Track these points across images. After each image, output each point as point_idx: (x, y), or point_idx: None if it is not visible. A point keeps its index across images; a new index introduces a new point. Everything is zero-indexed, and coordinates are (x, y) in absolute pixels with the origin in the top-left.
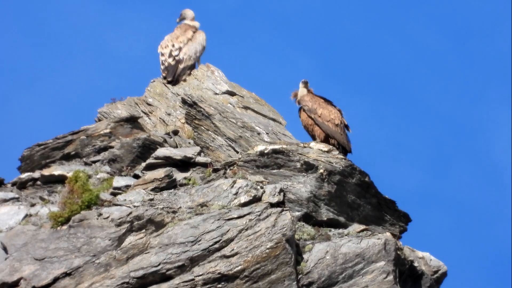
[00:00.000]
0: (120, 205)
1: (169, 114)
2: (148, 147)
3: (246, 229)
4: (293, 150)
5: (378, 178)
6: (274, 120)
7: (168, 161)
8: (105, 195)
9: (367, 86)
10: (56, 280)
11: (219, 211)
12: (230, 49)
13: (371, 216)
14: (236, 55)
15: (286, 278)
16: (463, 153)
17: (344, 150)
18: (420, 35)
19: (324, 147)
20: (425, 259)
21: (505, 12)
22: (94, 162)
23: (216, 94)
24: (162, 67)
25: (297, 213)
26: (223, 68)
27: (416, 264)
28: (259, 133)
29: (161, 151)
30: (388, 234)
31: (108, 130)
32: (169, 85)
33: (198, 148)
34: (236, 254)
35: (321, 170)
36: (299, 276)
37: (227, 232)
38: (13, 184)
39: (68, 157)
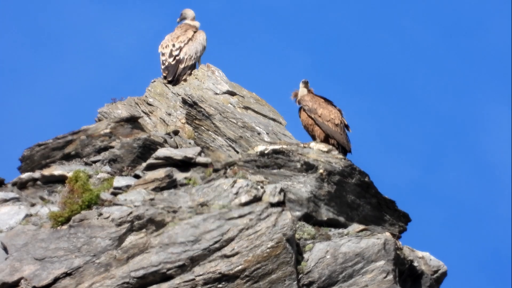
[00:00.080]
0: (120, 205)
1: (169, 114)
2: (149, 147)
3: (247, 229)
4: (293, 150)
5: (373, 176)
6: (274, 120)
7: (169, 161)
8: (106, 195)
9: (362, 84)
10: (56, 280)
11: (219, 210)
12: (230, 49)
13: (371, 216)
14: (236, 55)
15: (287, 277)
16: (457, 150)
17: (344, 150)
18: (414, 33)
19: (324, 147)
20: (425, 259)
21: (502, 10)
22: (95, 162)
23: (216, 94)
24: (162, 67)
25: (297, 213)
26: (223, 68)
27: (415, 263)
28: (259, 133)
29: (161, 151)
30: (387, 234)
31: (108, 130)
32: (169, 85)
33: (198, 148)
34: (236, 253)
35: (321, 170)
36: (300, 276)
37: (227, 231)
38: (13, 184)
39: (68, 157)
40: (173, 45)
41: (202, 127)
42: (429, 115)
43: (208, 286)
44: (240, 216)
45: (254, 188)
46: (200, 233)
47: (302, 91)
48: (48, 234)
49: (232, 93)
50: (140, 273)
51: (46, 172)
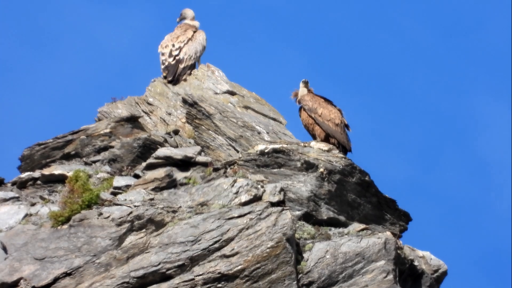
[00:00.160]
0: (120, 204)
1: (169, 114)
2: (149, 147)
3: (247, 229)
4: (294, 150)
5: (372, 174)
6: (274, 119)
7: (169, 161)
8: (106, 195)
9: (358, 82)
10: (56, 280)
11: (219, 210)
12: (230, 49)
13: (371, 215)
14: (236, 55)
15: (287, 277)
16: (453, 148)
17: (344, 149)
18: (411, 32)
19: (324, 146)
20: (425, 258)
21: (495, 7)
22: (94, 161)
23: (216, 93)
24: (162, 66)
25: (298, 212)
26: (223, 68)
27: (416, 263)
28: (259, 133)
29: (161, 151)
30: (388, 233)
31: (108, 130)
32: (169, 85)
33: (198, 148)
34: (236, 253)
35: (321, 169)
36: (299, 276)
37: (227, 231)
38: (13, 184)
39: (68, 157)
40: (173, 45)
41: (202, 127)
42: (426, 114)
43: (208, 286)
44: (240, 216)
45: (254, 188)
46: (200, 233)
47: (302, 90)
48: (48, 234)
49: (232, 93)
50: (140, 273)
51: (46, 171)
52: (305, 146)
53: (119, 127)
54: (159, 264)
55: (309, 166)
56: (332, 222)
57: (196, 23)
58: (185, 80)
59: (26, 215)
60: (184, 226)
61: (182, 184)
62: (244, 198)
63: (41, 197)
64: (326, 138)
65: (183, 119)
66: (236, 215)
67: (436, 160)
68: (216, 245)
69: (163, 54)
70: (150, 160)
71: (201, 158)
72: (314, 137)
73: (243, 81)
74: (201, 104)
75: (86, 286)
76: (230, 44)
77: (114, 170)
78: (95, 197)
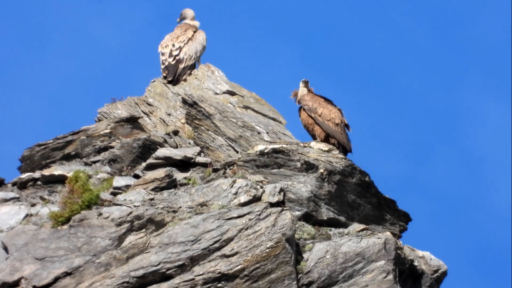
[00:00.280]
0: (120, 204)
1: (169, 114)
2: (148, 147)
3: (246, 229)
4: (293, 150)
5: (371, 174)
6: (274, 119)
7: (168, 161)
8: (105, 195)
9: (354, 80)
10: (56, 279)
11: (219, 210)
12: (230, 49)
13: (371, 216)
14: (236, 55)
15: (286, 277)
16: (444, 144)
17: (344, 149)
18: (404, 28)
19: (324, 146)
20: (425, 259)
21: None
22: (94, 162)
23: (216, 94)
24: (162, 66)
25: (297, 213)
26: (223, 68)
27: (416, 263)
28: (259, 133)
29: (161, 151)
30: (388, 233)
31: (108, 130)
32: (169, 85)
33: (198, 148)
34: (236, 253)
35: (321, 170)
36: (299, 276)
37: (227, 231)
38: (14, 184)
39: (68, 157)
40: (173, 45)
41: (202, 127)
42: (418, 109)
43: (208, 285)
44: (240, 216)
45: (253, 188)
46: (200, 233)
47: (302, 90)
48: (48, 234)
49: (232, 93)
50: (140, 272)
51: (46, 172)
52: (305, 147)
53: (119, 128)
54: (159, 264)
55: (309, 167)
56: (332, 223)
57: (196, 23)
58: (185, 80)
59: (27, 215)
60: (184, 226)
61: (182, 185)
62: (243, 198)
63: (41, 198)
64: (326, 138)
65: (182, 119)
66: (235, 216)
67: (427, 156)
68: (216, 245)
69: (163, 54)
70: (150, 161)
71: (200, 159)
72: (314, 137)
73: (243, 81)
74: (201, 104)
75: (86, 286)
76: (230, 44)
77: (114, 171)
78: (95, 197)
